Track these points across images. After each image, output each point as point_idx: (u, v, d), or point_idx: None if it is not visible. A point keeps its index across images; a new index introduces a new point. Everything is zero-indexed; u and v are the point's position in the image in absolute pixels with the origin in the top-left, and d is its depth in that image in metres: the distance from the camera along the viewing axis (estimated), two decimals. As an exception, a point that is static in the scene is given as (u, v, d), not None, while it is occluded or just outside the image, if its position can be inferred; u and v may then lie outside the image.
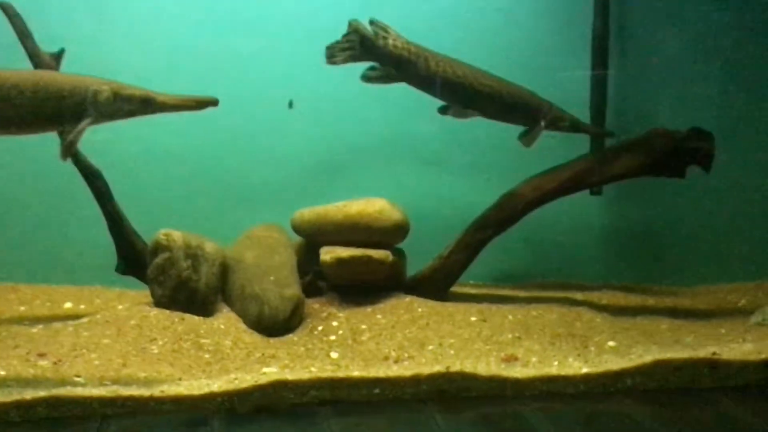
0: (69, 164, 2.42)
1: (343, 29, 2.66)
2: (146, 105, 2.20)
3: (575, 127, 2.74)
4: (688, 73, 2.90)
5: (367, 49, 2.62)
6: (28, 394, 1.84)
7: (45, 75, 2.21)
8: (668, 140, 2.57)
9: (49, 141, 2.31)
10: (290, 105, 2.83)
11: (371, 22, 2.63)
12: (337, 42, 2.61)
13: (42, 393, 1.84)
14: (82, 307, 2.63)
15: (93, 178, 2.47)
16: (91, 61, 2.37)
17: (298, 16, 2.86)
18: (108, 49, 2.70)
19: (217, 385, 1.93)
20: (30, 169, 2.76)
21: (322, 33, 2.77)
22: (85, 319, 2.36)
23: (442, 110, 2.69)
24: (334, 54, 2.59)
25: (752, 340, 2.26)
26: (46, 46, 2.44)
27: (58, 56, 2.34)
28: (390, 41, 2.61)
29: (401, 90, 2.83)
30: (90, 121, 2.16)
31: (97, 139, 2.39)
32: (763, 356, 2.08)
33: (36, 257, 2.81)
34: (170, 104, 2.20)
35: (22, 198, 2.80)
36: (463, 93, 2.64)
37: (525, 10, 2.92)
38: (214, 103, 2.20)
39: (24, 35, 2.32)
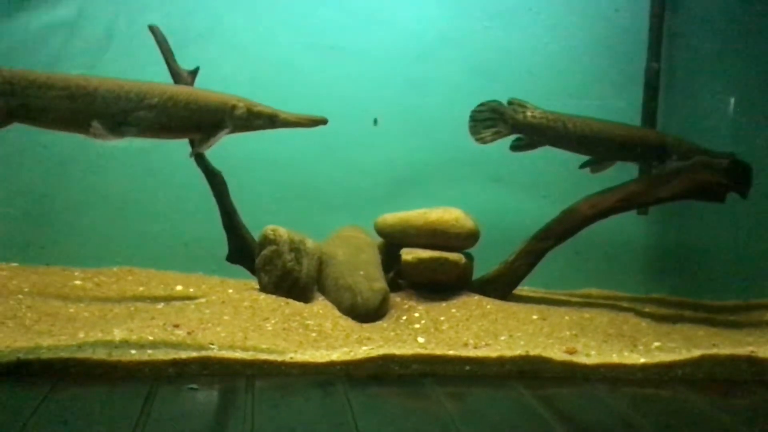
0: (180, 165, 2.80)
1: (429, 53, 3.09)
2: (272, 121, 2.59)
3: (701, 153, 3.00)
4: (728, 109, 3.26)
5: (510, 125, 3.00)
6: (182, 354, 2.19)
7: (194, 91, 2.58)
8: (711, 170, 2.93)
9: (171, 144, 2.69)
10: (375, 122, 3.21)
11: (509, 102, 3.01)
12: (480, 121, 2.98)
13: (194, 353, 2.20)
14: (191, 290, 2.97)
15: (214, 177, 2.82)
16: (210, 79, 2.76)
17: (385, 42, 3.23)
18: (224, 69, 3.07)
19: (335, 355, 2.29)
20: (149, 168, 3.13)
21: (409, 60, 3.19)
22: (203, 300, 2.70)
23: (583, 166, 3.05)
24: (480, 132, 2.98)
25: (781, 346, 2.62)
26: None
27: (193, 74, 2.71)
28: (528, 113, 2.99)
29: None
30: (226, 132, 2.54)
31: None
32: (792, 356, 2.44)
33: (148, 246, 3.16)
34: (291, 121, 2.59)
35: (140, 194, 3.16)
36: (600, 145, 3.00)
37: (585, 50, 3.29)
38: (324, 122, 2.59)
39: (168, 55, 2.68)
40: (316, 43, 3.17)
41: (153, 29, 2.66)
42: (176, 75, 2.69)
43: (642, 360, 2.40)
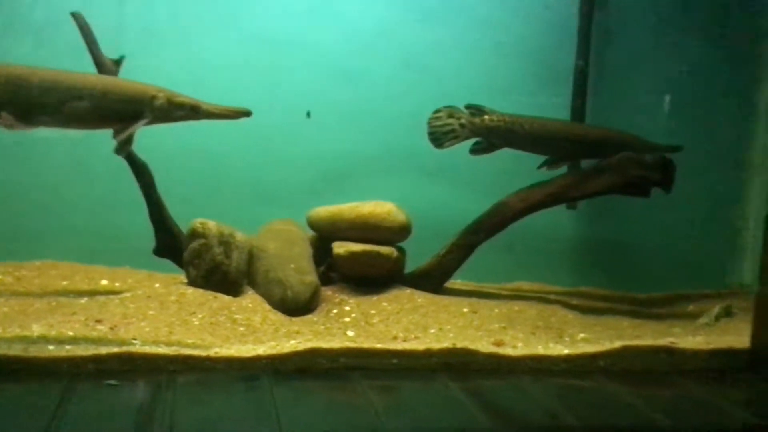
0: (104, 158, 2.73)
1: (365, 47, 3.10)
2: (194, 112, 2.55)
3: (653, 149, 3.06)
4: (653, 104, 3.34)
5: (469, 130, 3.02)
6: (103, 349, 2.14)
7: (111, 80, 2.52)
8: (637, 165, 2.99)
9: (95, 137, 2.63)
10: (308, 115, 3.19)
11: (467, 106, 3.03)
12: (438, 128, 3.00)
13: (114, 349, 2.15)
14: (117, 284, 2.91)
15: (141, 169, 2.76)
16: (138, 70, 2.69)
17: (318, 35, 3.20)
18: (156, 61, 2.99)
19: (262, 349, 2.27)
20: (72, 162, 3.04)
21: (342, 53, 3.18)
22: (128, 294, 2.64)
23: (540, 166, 3.08)
24: (439, 139, 2.99)
25: (701, 336, 2.70)
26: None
27: (118, 63, 2.64)
28: (486, 117, 3.01)
29: (405, 107, 3.25)
30: (144, 122, 2.49)
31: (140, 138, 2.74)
32: (711, 346, 2.49)
33: (72, 239, 3.07)
34: (214, 112, 2.56)
35: (64, 187, 3.07)
36: (558, 145, 3.04)
37: (516, 46, 3.32)
38: (248, 114, 2.56)
39: (91, 43, 2.60)
40: (250, 35, 3.13)
41: (75, 16, 2.58)
42: (100, 64, 2.61)
43: (566, 351, 2.44)
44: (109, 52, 2.65)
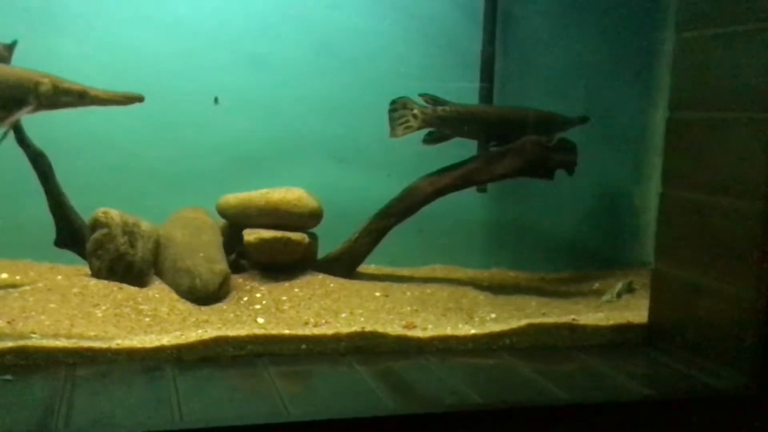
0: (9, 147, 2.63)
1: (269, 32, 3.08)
2: (82, 98, 2.48)
3: (567, 122, 3.17)
4: (558, 88, 3.42)
5: (422, 120, 3.04)
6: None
7: None
8: (540, 148, 3.06)
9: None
10: (216, 101, 3.14)
11: (420, 95, 3.06)
12: (396, 119, 3.03)
13: (10, 343, 2.08)
14: (18, 278, 2.80)
15: (38, 158, 2.67)
16: (35, 55, 2.60)
17: (226, 19, 3.15)
18: (52, 45, 2.89)
19: (166, 339, 2.23)
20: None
21: (251, 38, 3.14)
22: (27, 287, 2.56)
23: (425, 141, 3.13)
24: (394, 128, 3.02)
25: (603, 312, 2.79)
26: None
27: (11, 47, 2.53)
28: (439, 108, 3.05)
29: (316, 93, 3.23)
30: (29, 110, 2.41)
31: (39, 126, 2.65)
32: (611, 322, 2.58)
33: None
34: (103, 98, 2.49)
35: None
36: (504, 129, 3.12)
37: (425, 31, 3.34)
38: (140, 99, 2.50)
39: (-20, 25, 2.50)
40: (151, 18, 3.04)
41: (-38, -1, 2.48)
42: (-9, 49, 2.51)
43: (473, 331, 2.49)
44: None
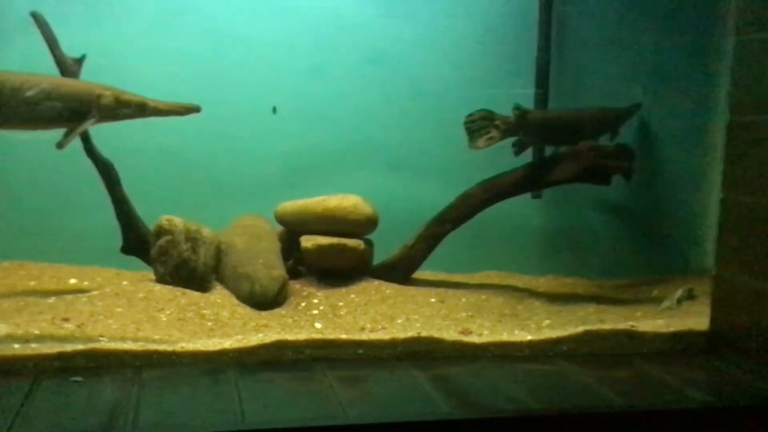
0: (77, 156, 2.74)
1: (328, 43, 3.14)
2: (141, 110, 2.58)
3: (630, 113, 3.20)
4: (614, 92, 3.39)
5: (504, 131, 3.03)
6: (68, 347, 2.15)
7: (58, 80, 2.53)
8: (596, 153, 3.05)
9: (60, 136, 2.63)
10: (274, 111, 3.21)
11: (514, 108, 3.06)
12: (475, 131, 3.02)
13: (80, 346, 2.16)
14: (86, 283, 2.91)
15: (106, 168, 2.77)
16: (102, 68, 2.71)
17: (283, 32, 3.22)
18: (117, 57, 3.00)
19: (228, 343, 2.29)
20: (36, 162, 3.04)
21: (307, 48, 3.20)
22: (95, 292, 2.66)
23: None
24: (476, 140, 3.01)
25: (663, 319, 2.75)
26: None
27: (80, 62, 2.64)
28: (528, 116, 3.06)
29: (371, 101, 3.28)
30: (92, 122, 2.51)
31: (105, 136, 2.75)
32: (671, 329, 2.54)
33: (41, 239, 3.07)
34: (161, 109, 2.59)
35: (31, 187, 3.06)
36: (568, 130, 3.12)
37: (480, 38, 3.35)
38: (197, 110, 2.60)
39: (52, 42, 2.61)
40: (212, 31, 3.13)
41: (35, 16, 2.59)
42: (62, 64, 2.62)
43: (529, 337, 2.48)
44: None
